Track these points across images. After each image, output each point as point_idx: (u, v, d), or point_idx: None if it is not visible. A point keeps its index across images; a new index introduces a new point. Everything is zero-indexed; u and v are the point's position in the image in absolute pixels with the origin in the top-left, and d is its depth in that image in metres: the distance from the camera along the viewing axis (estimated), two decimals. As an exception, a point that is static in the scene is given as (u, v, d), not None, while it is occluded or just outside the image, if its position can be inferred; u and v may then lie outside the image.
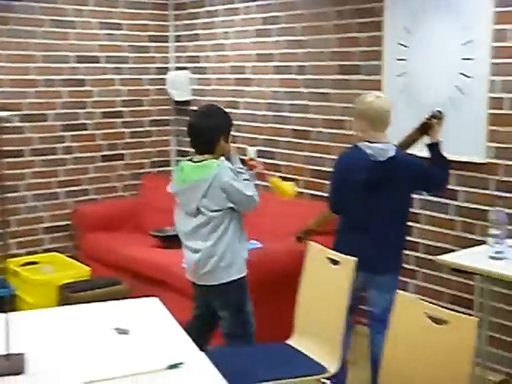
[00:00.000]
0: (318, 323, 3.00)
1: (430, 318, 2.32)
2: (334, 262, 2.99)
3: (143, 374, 2.10)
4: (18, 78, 5.20)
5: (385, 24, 4.16)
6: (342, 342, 2.88)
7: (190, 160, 3.32)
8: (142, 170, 5.99)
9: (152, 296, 2.90)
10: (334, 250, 3.08)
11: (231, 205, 3.23)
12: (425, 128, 3.51)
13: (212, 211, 3.22)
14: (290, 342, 3.10)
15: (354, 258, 2.91)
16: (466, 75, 3.78)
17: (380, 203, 3.30)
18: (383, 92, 4.23)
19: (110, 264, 5.17)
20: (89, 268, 5.00)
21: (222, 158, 3.27)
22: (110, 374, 2.07)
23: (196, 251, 3.30)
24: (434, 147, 3.45)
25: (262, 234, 4.65)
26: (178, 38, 5.95)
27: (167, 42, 5.98)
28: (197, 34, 5.74)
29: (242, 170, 3.30)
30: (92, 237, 5.45)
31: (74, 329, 2.52)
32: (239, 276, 3.32)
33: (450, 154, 3.53)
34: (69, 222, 5.57)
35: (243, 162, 3.43)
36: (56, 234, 5.56)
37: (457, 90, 3.82)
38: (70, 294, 4.50)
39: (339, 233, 3.48)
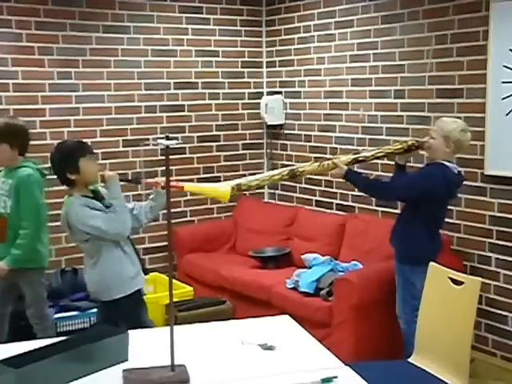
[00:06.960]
0: (442, 343, 3.04)
1: None
2: (456, 283, 3.04)
3: (299, 387, 2.20)
4: (122, 105, 5.46)
5: (489, 47, 4.20)
6: (469, 361, 2.92)
7: None
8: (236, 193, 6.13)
9: (256, 316, 3.05)
10: (425, 253, 3.65)
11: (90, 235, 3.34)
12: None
13: (80, 241, 3.41)
14: (411, 360, 3.15)
15: (479, 279, 2.97)
16: None
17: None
18: (487, 115, 4.28)
19: (209, 284, 5.31)
20: (191, 288, 5.15)
21: (76, 194, 3.32)
22: (269, 387, 2.18)
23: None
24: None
25: (364, 255, 4.73)
26: (271, 64, 6.12)
27: (261, 67, 6.15)
28: (290, 60, 5.88)
29: (113, 201, 3.32)
30: (191, 257, 5.61)
31: (218, 344, 2.64)
32: (120, 296, 3.40)
33: None
34: (167, 243, 5.74)
35: (135, 182, 3.78)
36: (155, 255, 5.75)
37: None
38: (177, 314, 4.65)
39: (425, 236, 3.80)
